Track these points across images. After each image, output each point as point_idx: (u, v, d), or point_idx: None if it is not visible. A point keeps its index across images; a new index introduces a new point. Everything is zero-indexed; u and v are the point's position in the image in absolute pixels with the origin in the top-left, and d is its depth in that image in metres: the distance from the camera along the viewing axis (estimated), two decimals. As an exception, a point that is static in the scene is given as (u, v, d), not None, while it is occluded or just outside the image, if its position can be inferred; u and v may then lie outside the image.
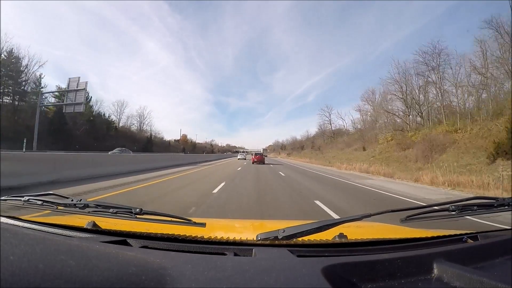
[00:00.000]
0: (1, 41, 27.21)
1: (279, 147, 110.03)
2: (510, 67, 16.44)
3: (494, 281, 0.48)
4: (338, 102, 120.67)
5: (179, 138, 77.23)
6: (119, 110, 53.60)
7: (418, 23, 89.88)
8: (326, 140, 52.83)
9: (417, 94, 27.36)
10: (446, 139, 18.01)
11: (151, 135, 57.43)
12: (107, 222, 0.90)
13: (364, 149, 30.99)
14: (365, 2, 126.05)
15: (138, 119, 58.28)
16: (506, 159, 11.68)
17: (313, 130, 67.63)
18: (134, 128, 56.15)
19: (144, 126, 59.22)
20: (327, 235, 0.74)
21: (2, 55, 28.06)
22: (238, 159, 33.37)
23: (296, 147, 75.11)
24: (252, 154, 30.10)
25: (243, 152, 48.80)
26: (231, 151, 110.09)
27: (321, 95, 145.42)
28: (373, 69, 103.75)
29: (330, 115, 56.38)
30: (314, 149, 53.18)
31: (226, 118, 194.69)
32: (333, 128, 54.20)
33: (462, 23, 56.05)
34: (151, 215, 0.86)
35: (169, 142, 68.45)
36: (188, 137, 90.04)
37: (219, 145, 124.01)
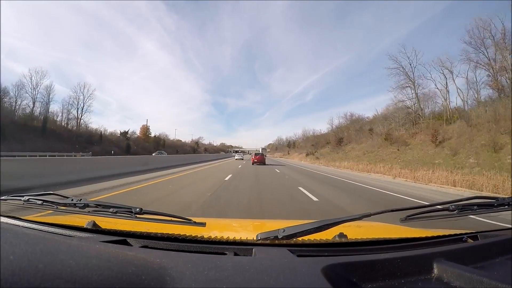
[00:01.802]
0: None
1: (284, 145, 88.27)
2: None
3: (494, 280, 0.48)
4: (337, 101, 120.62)
5: (127, 130, 49.75)
6: (31, 83, 35.52)
7: (416, 21, 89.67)
8: (418, 125, 23.06)
9: None
10: None
11: (45, 119, 36.38)
12: (107, 222, 0.90)
13: None
14: (363, 1, 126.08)
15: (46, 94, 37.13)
16: None
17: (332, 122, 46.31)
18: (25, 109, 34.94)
19: (78, 110, 39.92)
20: (327, 235, 0.74)
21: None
22: (236, 159, 31.91)
23: (322, 142, 44.90)
24: (251, 154, 27.21)
25: (235, 151, 43.39)
26: (225, 151, 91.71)
27: (318, 94, 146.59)
28: (372, 69, 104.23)
29: (413, 69, 25.10)
30: (392, 142, 22.99)
31: (225, 118, 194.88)
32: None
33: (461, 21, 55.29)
34: (151, 215, 0.86)
35: (100, 134, 42.30)
36: (162, 132, 65.99)
37: (214, 144, 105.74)
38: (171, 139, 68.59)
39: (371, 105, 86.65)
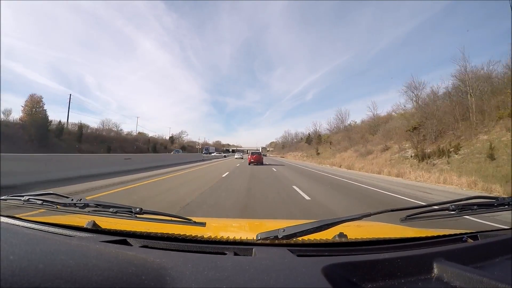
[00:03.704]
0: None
1: (297, 142, 63.70)
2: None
3: (494, 280, 0.48)
4: (337, 100, 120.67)
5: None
6: None
7: (415, 21, 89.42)
8: None
9: None
10: None
11: None
12: (107, 222, 0.90)
13: None
14: (362, 1, 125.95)
15: None
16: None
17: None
18: None
19: None
20: (327, 235, 0.74)
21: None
22: (236, 158, 30.99)
23: (428, 127, 15.60)
24: (248, 154, 24.85)
25: (223, 150, 37.98)
26: (216, 150, 69.43)
27: (318, 94, 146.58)
28: (371, 68, 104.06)
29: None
30: None
31: (224, 117, 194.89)
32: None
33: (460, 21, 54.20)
34: (151, 215, 0.86)
35: None
36: (106, 119, 44.88)
37: (209, 142, 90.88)
38: (125, 132, 47.91)
39: (372, 104, 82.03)
